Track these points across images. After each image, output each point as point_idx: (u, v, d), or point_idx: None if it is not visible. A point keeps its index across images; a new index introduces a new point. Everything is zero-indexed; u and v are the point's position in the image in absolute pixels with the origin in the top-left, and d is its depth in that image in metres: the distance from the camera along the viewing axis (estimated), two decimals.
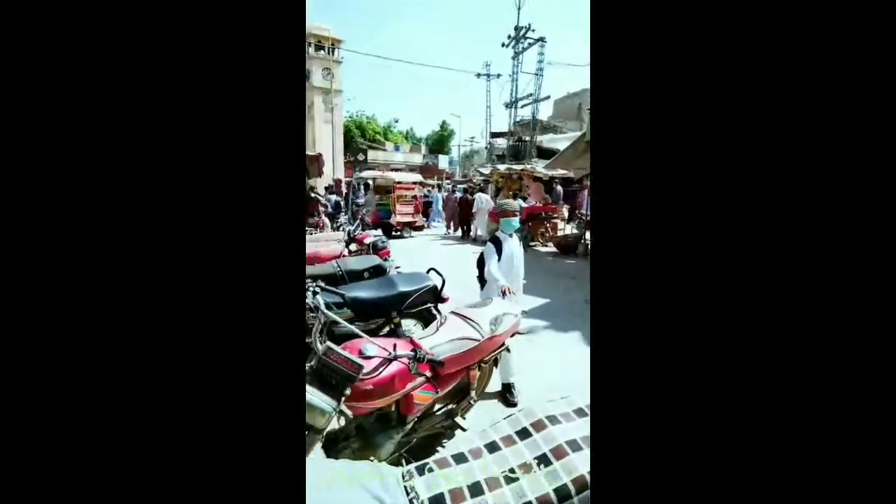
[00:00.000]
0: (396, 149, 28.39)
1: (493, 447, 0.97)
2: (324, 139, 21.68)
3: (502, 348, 2.05)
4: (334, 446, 1.58)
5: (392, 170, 18.98)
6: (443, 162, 29.77)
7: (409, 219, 10.58)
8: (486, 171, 13.74)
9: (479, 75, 21.83)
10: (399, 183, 10.91)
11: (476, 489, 0.86)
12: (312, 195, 10.00)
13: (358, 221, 5.41)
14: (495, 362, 2.12)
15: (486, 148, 24.14)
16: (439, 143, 33.97)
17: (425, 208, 14.20)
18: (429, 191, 16.38)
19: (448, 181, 20.22)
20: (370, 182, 11.88)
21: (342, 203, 11.03)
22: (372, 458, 1.51)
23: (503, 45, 18.44)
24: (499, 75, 21.44)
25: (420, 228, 11.07)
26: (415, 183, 11.44)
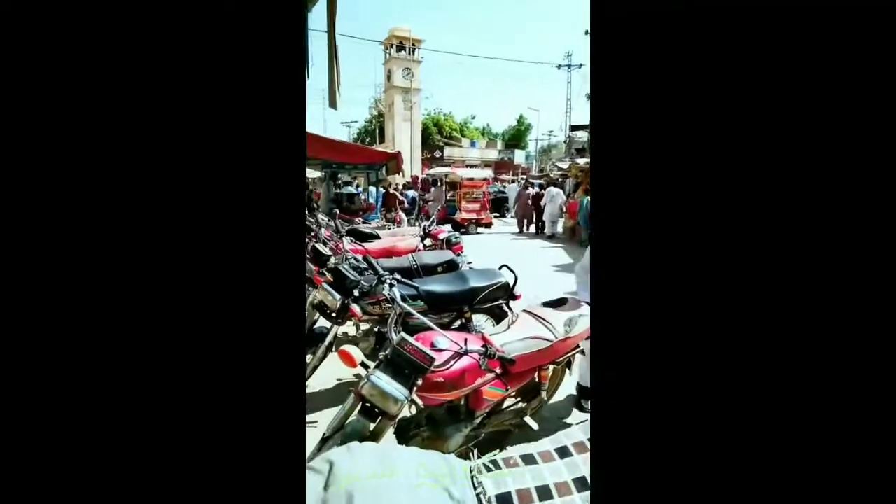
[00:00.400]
0: (472, 145, 28.44)
1: (563, 452, 0.94)
2: (402, 137, 22.47)
3: (576, 351, 1.97)
4: (405, 433, 1.64)
5: (468, 166, 19.11)
6: (519, 157, 29.18)
7: (474, 215, 10.65)
8: (565, 165, 13.21)
9: (559, 66, 21.07)
10: (470, 179, 10.99)
11: (544, 493, 0.84)
12: (391, 191, 10.47)
13: (432, 218, 5.54)
14: (568, 365, 2.05)
15: (564, 142, 23.25)
16: (516, 137, 33.39)
17: (498, 205, 14.11)
18: (504, 186, 16.22)
19: (522, 176, 19.82)
20: (441, 178, 12.11)
21: (418, 199, 11.38)
22: (441, 448, 1.55)
23: (586, 32, 17.57)
24: (581, 65, 20.51)
25: (488, 225, 11.03)
26: (484, 179, 11.43)
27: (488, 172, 12.35)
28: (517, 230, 10.96)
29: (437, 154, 25.24)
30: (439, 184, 11.86)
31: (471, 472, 0.88)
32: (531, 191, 11.23)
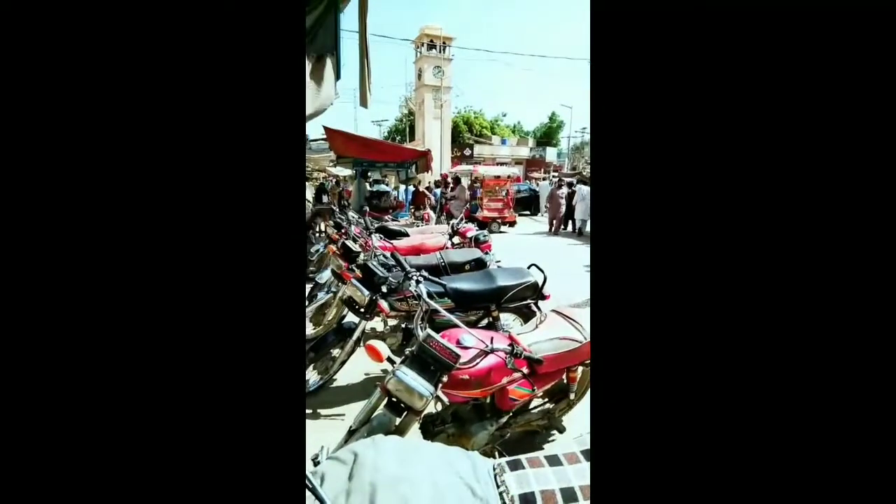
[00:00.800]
0: (503, 142, 28.14)
1: (589, 455, 0.92)
2: (433, 135, 22.55)
3: None
4: (430, 429, 1.65)
5: (498, 163, 18.99)
6: (550, 154, 28.65)
7: (496, 214, 10.65)
8: None
9: None
10: (496, 177, 10.97)
11: (569, 495, 0.82)
12: (421, 189, 10.54)
13: (460, 217, 5.54)
14: None
15: None
16: (547, 135, 32.77)
17: (528, 203, 13.95)
18: (536, 184, 16.01)
19: (554, 174, 19.48)
20: (469, 174, 12.11)
21: (439, 197, 11.44)
22: (465, 445, 1.55)
23: None
24: None
25: (512, 223, 10.94)
26: (509, 177, 11.39)
27: (514, 170, 12.28)
28: (547, 229, 10.80)
29: (468, 152, 25.16)
30: (464, 182, 11.86)
31: (494, 470, 0.87)
32: (563, 189, 11.07)
